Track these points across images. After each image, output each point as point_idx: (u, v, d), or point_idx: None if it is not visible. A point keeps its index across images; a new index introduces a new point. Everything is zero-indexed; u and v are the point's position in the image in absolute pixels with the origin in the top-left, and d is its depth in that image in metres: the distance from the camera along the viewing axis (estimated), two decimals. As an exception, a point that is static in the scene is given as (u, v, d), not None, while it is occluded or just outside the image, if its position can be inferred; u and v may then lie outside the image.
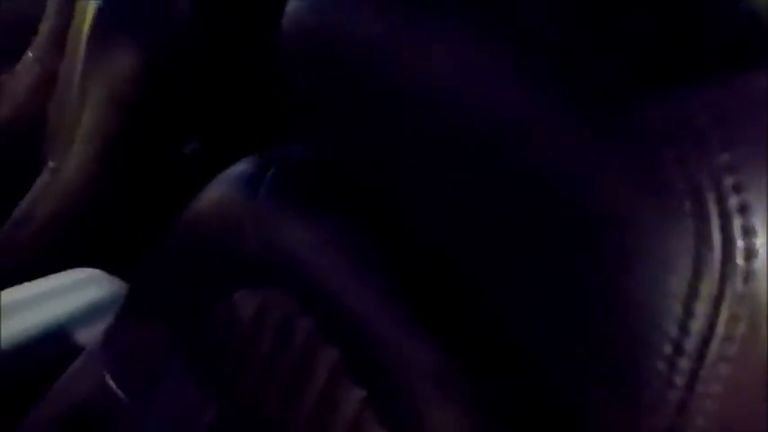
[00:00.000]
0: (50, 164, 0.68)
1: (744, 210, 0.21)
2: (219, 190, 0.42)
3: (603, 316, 0.23)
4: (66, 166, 0.68)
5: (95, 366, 0.48)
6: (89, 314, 0.61)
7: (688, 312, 0.22)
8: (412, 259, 0.32)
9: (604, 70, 0.25)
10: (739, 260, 0.21)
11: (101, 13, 0.77)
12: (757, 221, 0.21)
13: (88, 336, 0.62)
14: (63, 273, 0.65)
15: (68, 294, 0.63)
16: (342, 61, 0.34)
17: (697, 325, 0.22)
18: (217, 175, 0.79)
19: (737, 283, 0.21)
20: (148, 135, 0.76)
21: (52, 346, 0.60)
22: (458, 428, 0.29)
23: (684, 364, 0.22)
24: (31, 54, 0.87)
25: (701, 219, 0.21)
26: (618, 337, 0.23)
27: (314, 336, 0.34)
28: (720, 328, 0.22)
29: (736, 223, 0.21)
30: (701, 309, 0.22)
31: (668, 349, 0.22)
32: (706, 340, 0.22)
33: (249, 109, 0.90)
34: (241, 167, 0.43)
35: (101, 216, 0.70)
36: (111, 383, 0.47)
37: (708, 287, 0.21)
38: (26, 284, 0.65)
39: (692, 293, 0.22)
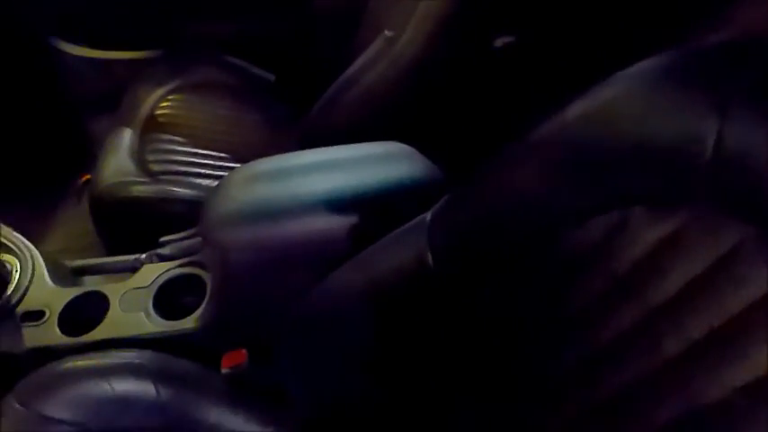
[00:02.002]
0: (387, 32, 0.67)
1: None
2: (634, 87, 0.34)
3: None
4: (401, 38, 0.66)
5: (419, 240, 0.45)
6: (397, 187, 0.60)
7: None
8: None
9: None
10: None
11: None
12: None
13: (392, 207, 0.61)
14: (377, 143, 0.65)
15: (381, 163, 0.62)
16: None
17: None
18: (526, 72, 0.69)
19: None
20: (474, 25, 0.70)
21: (357, 210, 0.61)
22: None
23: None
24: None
25: None
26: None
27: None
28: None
29: None
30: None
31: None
32: None
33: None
34: (659, 61, 0.34)
35: (418, 93, 0.67)
36: (429, 259, 0.44)
37: None
38: (343, 146, 0.66)
39: None
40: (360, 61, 0.70)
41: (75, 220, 1.25)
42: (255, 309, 0.68)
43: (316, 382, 0.58)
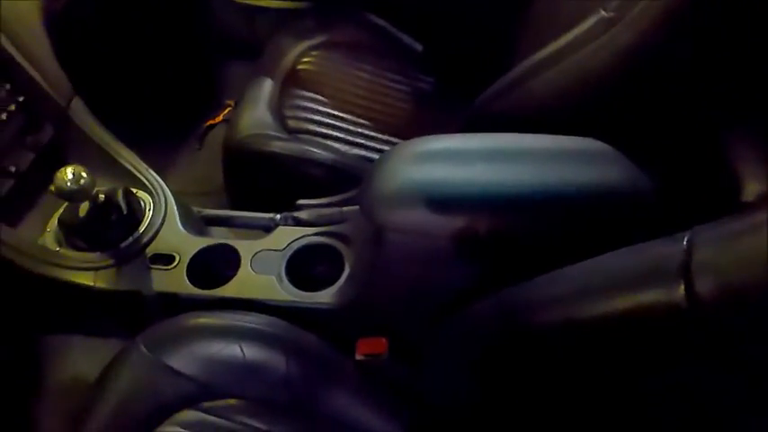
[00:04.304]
0: (604, 13, 0.58)
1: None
2: None
3: None
4: (622, 21, 0.57)
5: (666, 267, 0.37)
6: (602, 192, 0.52)
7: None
8: None
9: None
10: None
11: None
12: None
13: (593, 214, 0.53)
14: (574, 137, 0.57)
15: (584, 161, 0.55)
16: None
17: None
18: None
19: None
20: (704, 18, 0.60)
21: (550, 212, 0.53)
22: None
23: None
24: None
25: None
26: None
27: None
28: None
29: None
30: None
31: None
32: None
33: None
34: None
35: (630, 82, 0.58)
36: (681, 292, 0.36)
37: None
38: (533, 135, 0.58)
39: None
40: (561, 41, 0.62)
41: (194, 165, 1.24)
42: (403, 298, 0.62)
43: (468, 392, 0.52)
